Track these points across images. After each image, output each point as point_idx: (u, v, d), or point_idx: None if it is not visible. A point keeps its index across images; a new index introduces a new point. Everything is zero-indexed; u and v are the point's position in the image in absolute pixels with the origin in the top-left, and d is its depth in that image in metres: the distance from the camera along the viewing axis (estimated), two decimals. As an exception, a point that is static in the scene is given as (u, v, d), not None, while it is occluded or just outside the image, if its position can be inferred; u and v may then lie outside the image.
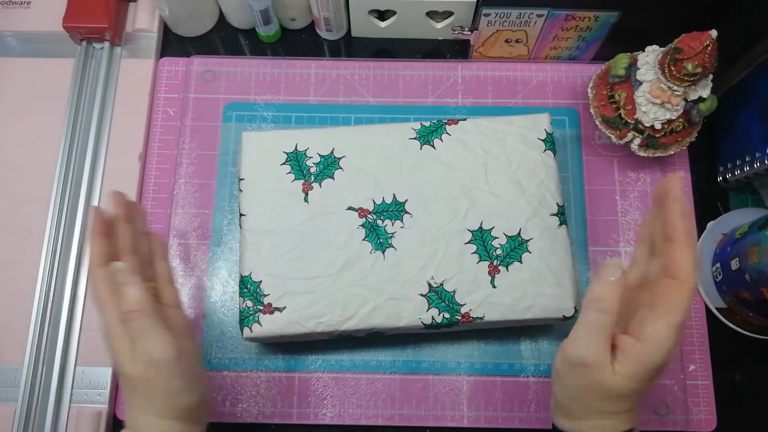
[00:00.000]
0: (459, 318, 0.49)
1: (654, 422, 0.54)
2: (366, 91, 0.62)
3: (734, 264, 0.53)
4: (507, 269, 0.50)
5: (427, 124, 0.54)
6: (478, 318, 0.49)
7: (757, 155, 0.55)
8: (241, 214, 0.52)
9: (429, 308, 0.49)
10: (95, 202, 0.59)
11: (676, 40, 0.51)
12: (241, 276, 0.50)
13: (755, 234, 0.51)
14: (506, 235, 0.51)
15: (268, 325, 0.49)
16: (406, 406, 0.55)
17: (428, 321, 0.49)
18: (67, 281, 0.56)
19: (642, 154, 0.56)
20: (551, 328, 0.56)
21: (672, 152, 0.56)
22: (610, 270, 0.38)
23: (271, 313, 0.49)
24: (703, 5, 0.57)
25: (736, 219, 0.58)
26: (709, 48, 0.48)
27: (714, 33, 0.48)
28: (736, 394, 0.56)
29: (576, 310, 0.49)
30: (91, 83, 0.62)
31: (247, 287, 0.49)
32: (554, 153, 0.53)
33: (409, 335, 0.54)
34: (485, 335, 0.56)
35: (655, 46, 0.55)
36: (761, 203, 0.61)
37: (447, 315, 0.49)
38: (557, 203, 0.52)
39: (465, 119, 0.54)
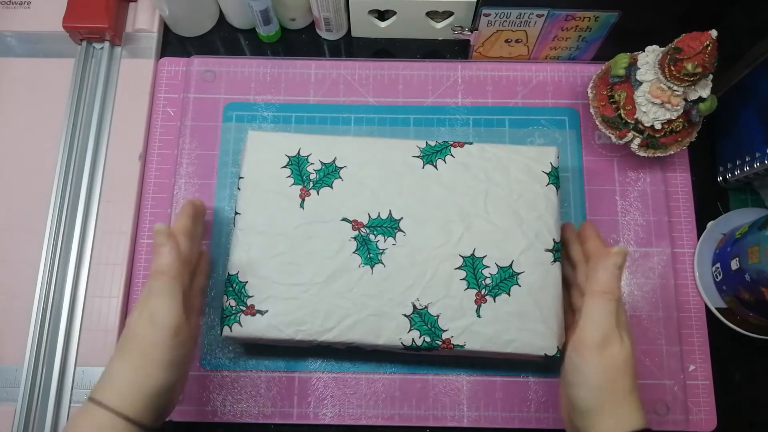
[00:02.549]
0: (439, 343, 0.48)
1: (654, 422, 0.54)
2: (366, 91, 0.62)
3: (734, 264, 0.53)
4: (494, 300, 0.49)
5: (433, 143, 0.53)
6: (458, 346, 0.49)
7: (756, 155, 0.55)
8: (236, 213, 0.52)
9: (410, 329, 0.49)
10: (95, 202, 0.59)
11: (676, 40, 0.51)
12: (228, 274, 0.50)
13: (755, 234, 0.51)
14: (498, 265, 0.50)
15: (248, 327, 0.49)
16: (406, 406, 0.55)
17: (408, 342, 0.49)
18: (67, 281, 0.56)
19: (642, 154, 0.56)
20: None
21: (672, 152, 0.56)
22: (616, 259, 0.44)
23: (253, 315, 0.49)
24: (703, 5, 0.57)
25: (736, 219, 0.58)
26: (709, 48, 0.48)
27: (714, 33, 0.48)
28: (736, 394, 0.56)
29: (559, 350, 0.48)
30: (91, 83, 0.62)
31: (233, 286, 0.50)
32: (557, 188, 0.52)
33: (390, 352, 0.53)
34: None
35: (655, 46, 0.55)
36: (761, 203, 0.61)
37: (428, 339, 0.48)
38: (554, 239, 0.51)
39: (471, 144, 0.53)
